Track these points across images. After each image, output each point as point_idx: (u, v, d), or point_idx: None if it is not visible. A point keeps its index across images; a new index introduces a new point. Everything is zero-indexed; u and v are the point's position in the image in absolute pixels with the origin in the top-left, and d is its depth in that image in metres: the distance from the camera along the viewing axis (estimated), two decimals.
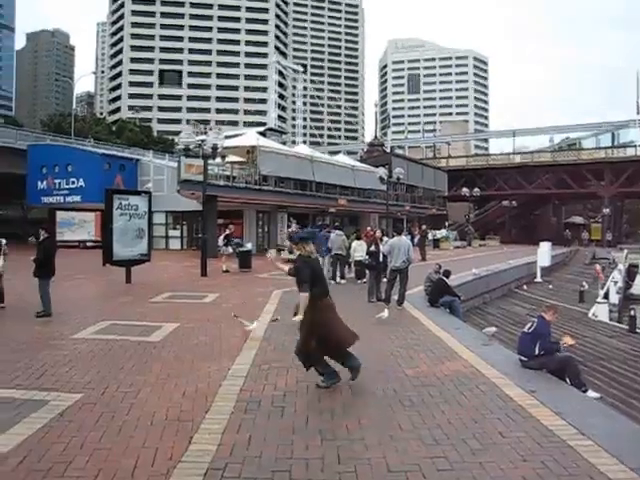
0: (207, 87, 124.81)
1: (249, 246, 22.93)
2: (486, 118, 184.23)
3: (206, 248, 19.62)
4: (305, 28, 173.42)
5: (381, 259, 13.74)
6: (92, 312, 10.66)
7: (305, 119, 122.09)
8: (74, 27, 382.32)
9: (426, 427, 5.10)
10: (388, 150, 66.63)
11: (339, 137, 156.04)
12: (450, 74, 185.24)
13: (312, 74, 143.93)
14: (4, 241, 11.71)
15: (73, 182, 36.03)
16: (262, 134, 39.99)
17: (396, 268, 12.63)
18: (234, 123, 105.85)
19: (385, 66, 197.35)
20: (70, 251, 28.03)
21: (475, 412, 5.55)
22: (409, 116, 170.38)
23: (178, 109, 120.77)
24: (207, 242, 20.22)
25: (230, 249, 21.10)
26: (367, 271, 14.78)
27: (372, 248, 13.99)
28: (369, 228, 19.78)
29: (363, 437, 4.84)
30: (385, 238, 15.34)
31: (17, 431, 4.83)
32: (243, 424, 5.08)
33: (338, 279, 17.62)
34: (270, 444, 4.63)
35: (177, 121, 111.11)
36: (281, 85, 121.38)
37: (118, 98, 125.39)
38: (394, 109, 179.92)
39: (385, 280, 13.51)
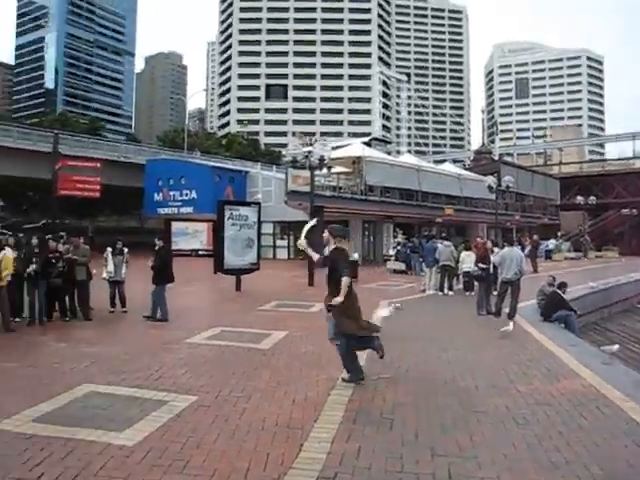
0: (312, 100, 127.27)
1: (355, 256, 23.01)
2: (602, 122, 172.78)
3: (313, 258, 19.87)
4: (408, 37, 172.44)
5: (491, 270, 13.34)
6: (204, 318, 11.12)
7: (409, 128, 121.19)
8: (186, 48, 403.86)
9: (542, 448, 4.85)
10: (496, 158, 64.57)
11: (444, 145, 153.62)
12: (561, 76, 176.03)
13: (416, 82, 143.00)
14: (126, 249, 12.51)
15: (186, 194, 37.84)
16: (367, 144, 40.14)
17: (507, 280, 12.20)
18: (339, 134, 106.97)
19: (491, 71, 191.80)
20: (183, 259, 29.31)
21: (597, 436, 5.18)
22: (517, 122, 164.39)
23: (284, 122, 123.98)
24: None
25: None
26: (476, 283, 14.39)
27: (481, 260, 13.61)
28: (479, 238, 19.22)
29: (476, 455, 4.68)
30: (496, 249, 14.87)
31: (140, 427, 5.13)
32: (352, 434, 5.06)
33: (446, 290, 17.30)
34: (379, 456, 4.59)
35: (283, 134, 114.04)
36: (385, 95, 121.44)
37: (227, 113, 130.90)
38: (501, 115, 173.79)
39: (495, 293, 13.08)
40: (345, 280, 6.70)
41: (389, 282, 21.21)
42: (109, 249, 12.24)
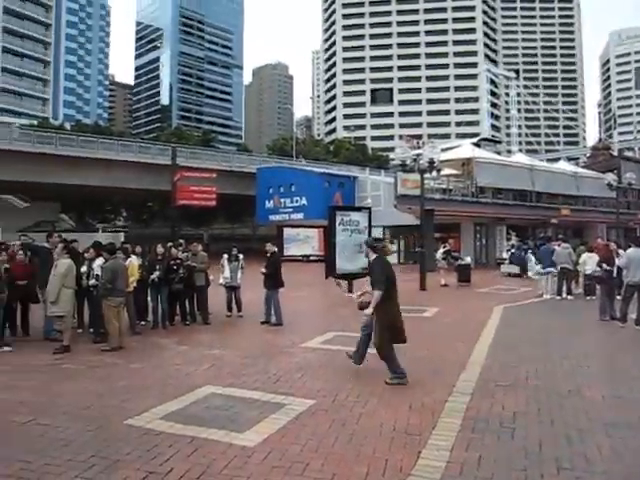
0: (418, 102, 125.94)
1: (468, 260, 22.43)
2: None
3: (424, 262, 19.63)
4: (515, 32, 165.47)
5: (614, 274, 12.51)
6: (318, 323, 11.27)
7: (520, 126, 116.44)
8: (292, 58, 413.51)
9: None
10: (615, 153, 60.50)
11: (558, 143, 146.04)
12: None
13: (525, 78, 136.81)
14: (241, 256, 12.94)
15: (296, 200, 38.56)
16: (477, 145, 39.12)
17: (634, 283, 11.36)
18: (446, 136, 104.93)
19: (607, 61, 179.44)
20: (295, 264, 30.01)
21: None
22: (638, 114, 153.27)
23: (390, 126, 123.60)
24: (425, 256, 20.22)
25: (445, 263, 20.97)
26: (597, 286, 13.55)
27: (605, 261, 12.79)
28: (599, 240, 18.11)
29: (605, 470, 4.38)
30: (620, 251, 13.91)
31: (260, 429, 5.25)
32: (472, 443, 4.91)
33: (564, 294, 16.43)
34: (501, 467, 4.41)
35: (390, 137, 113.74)
36: (493, 94, 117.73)
37: (333, 120, 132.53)
38: (620, 108, 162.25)
39: (619, 297, 12.25)
40: (376, 294, 7.05)
41: (503, 286, 20.47)
42: (225, 256, 12.72)
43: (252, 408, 5.89)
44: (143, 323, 11.52)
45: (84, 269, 10.14)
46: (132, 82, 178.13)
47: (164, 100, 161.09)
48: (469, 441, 4.97)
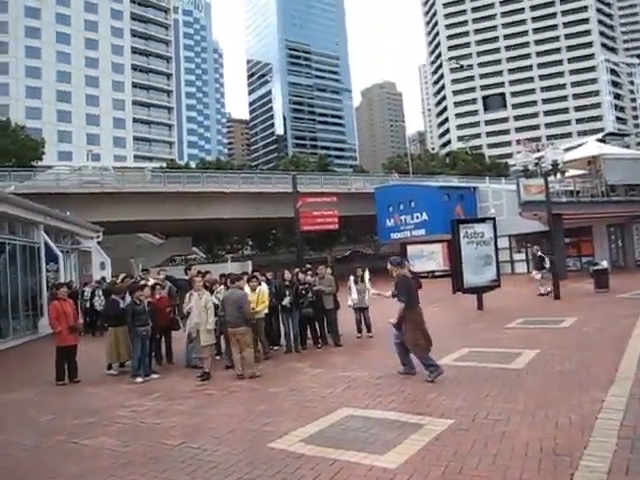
0: (533, 104, 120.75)
1: (604, 264, 20.99)
2: None
3: (556, 270, 18.65)
4: (635, 14, 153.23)
5: None
6: (450, 339, 10.99)
7: None
8: (399, 75, 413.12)
9: None
10: None
11: None
12: None
13: None
14: (367, 276, 12.96)
15: (417, 217, 38.17)
16: (602, 141, 36.79)
17: None
18: (567, 135, 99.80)
19: None
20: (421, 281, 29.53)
21: None
22: None
23: (506, 131, 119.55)
24: (556, 263, 19.21)
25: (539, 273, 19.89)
26: None
27: None
28: None
29: None
30: None
31: (401, 450, 5.19)
32: (631, 465, 4.50)
33: None
34: None
35: (506, 143, 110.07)
36: (615, 84, 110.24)
37: (447, 131, 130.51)
38: None
39: None
40: (400, 306, 8.36)
41: None
42: (352, 278, 12.82)
43: (390, 429, 5.85)
44: (276, 348, 11.87)
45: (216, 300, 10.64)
46: (247, 117, 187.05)
47: (279, 130, 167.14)
48: (628, 463, 4.57)
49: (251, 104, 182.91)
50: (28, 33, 79.91)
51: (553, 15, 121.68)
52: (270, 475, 4.79)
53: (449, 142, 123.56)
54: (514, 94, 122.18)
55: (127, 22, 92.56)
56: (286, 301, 11.46)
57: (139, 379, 9.58)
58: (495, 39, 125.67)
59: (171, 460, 5.36)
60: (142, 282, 11.79)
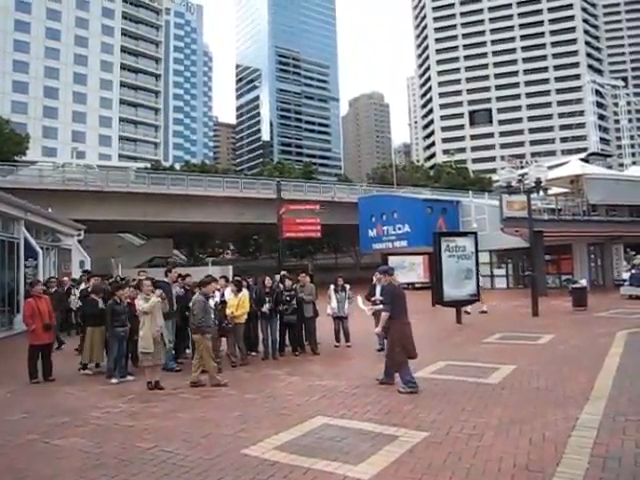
0: (518, 120, 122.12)
1: (583, 282, 21.23)
2: None
3: (536, 286, 18.82)
4: (621, 37, 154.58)
5: None
6: (428, 352, 11.00)
7: (632, 137, 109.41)
8: (387, 86, 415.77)
9: None
10: None
11: None
12: None
13: (635, 85, 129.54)
14: (348, 286, 12.97)
15: (399, 228, 38.31)
16: (585, 160, 37.32)
17: None
18: (551, 153, 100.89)
19: None
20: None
21: None
22: None
23: (491, 147, 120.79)
24: (536, 280, 19.39)
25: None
26: None
27: None
28: None
29: None
30: None
31: (375, 461, 5.19)
32: None
33: None
34: None
35: (491, 159, 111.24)
36: (600, 105, 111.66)
37: (432, 144, 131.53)
38: None
39: None
40: (383, 315, 8.50)
41: (625, 309, 19.09)
42: (332, 286, 12.82)
43: (365, 440, 5.85)
44: (254, 354, 11.83)
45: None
46: (234, 121, 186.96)
47: (265, 136, 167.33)
48: None
49: (238, 109, 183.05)
50: (17, 27, 79.22)
51: (542, 34, 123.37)
52: None
53: (434, 155, 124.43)
54: (500, 110, 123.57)
55: (118, 21, 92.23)
56: (266, 307, 11.43)
57: (114, 380, 9.49)
58: (484, 55, 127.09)
59: (143, 463, 5.31)
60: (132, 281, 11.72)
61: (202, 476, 4.93)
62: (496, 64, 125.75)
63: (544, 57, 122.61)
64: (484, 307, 19.27)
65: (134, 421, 6.94)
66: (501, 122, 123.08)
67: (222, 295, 10.70)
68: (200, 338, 9.05)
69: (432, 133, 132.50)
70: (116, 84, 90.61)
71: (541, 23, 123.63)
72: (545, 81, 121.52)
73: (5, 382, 9.79)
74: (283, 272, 13.93)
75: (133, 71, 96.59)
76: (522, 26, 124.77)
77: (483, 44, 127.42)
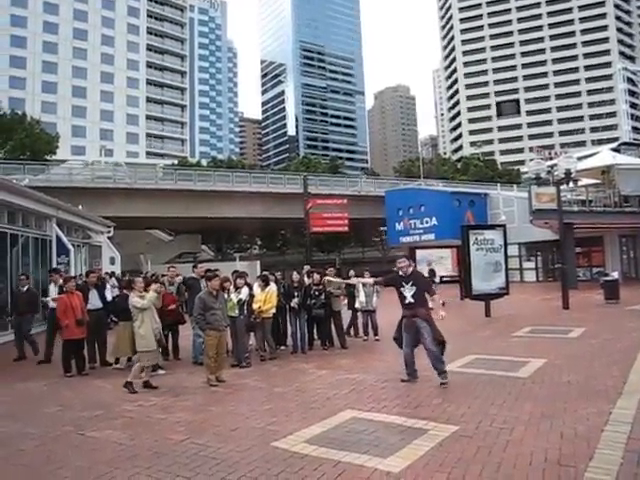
0: (547, 111, 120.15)
1: (615, 275, 20.85)
2: None
3: (566, 279, 18.55)
4: None
5: None
6: (457, 345, 10.92)
7: None
8: (413, 79, 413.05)
9: None
10: None
11: None
12: None
13: None
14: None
15: (427, 221, 38.10)
16: (616, 150, 36.54)
17: None
18: (581, 143, 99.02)
19: None
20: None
21: None
22: None
23: (519, 138, 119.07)
24: (566, 272, 19.11)
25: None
26: None
27: None
28: None
29: None
30: None
31: (404, 454, 5.18)
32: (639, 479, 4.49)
33: None
34: None
35: (519, 150, 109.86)
36: (632, 93, 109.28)
37: (459, 137, 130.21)
38: None
39: None
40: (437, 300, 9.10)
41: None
42: (360, 280, 12.80)
43: (394, 433, 5.85)
44: (283, 348, 11.91)
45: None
46: (260, 117, 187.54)
47: (291, 131, 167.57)
48: (634, 476, 4.54)
49: (264, 104, 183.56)
50: (46, 28, 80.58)
51: (571, 22, 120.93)
52: (273, 474, 4.80)
53: (461, 147, 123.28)
54: (528, 101, 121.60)
55: (143, 19, 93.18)
56: (294, 302, 11.48)
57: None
58: (511, 45, 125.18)
59: (175, 455, 5.39)
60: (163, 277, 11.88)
61: (233, 468, 4.98)
62: (524, 54, 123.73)
63: (573, 45, 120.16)
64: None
65: (166, 414, 7.05)
66: (529, 113, 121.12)
67: (250, 290, 10.78)
68: (206, 334, 9.03)
69: (459, 125, 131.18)
70: (142, 82, 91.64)
71: (570, 10, 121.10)
72: (574, 70, 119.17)
73: (41, 375, 10.04)
74: (307, 267, 13.91)
75: (159, 69, 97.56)
76: (550, 14, 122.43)
77: (510, 34, 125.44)
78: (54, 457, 5.54)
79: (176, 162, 68.40)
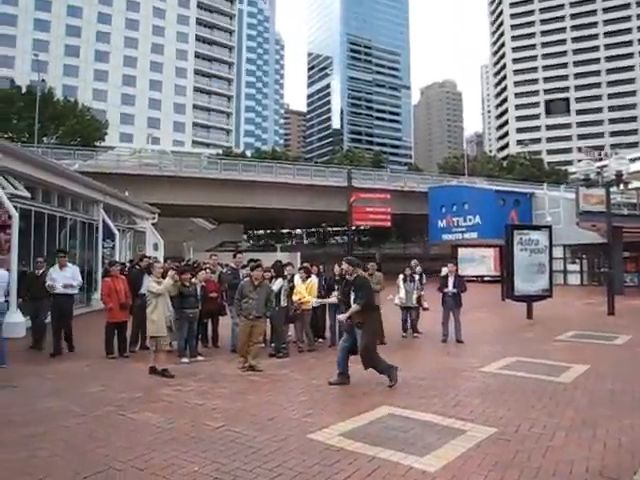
0: (598, 110, 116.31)
1: None
2: None
3: (613, 284, 18.05)
4: None
5: None
6: (496, 346, 10.82)
7: None
8: (460, 75, 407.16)
9: None
10: None
11: None
12: None
13: None
14: (417, 277, 12.87)
15: (470, 219, 37.63)
16: None
17: None
18: (633, 145, 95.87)
19: None
20: (470, 285, 29.04)
21: None
22: None
23: (568, 138, 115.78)
24: (613, 277, 18.59)
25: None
26: None
27: None
28: None
29: None
30: None
31: (441, 454, 5.11)
32: None
33: None
34: None
35: (567, 150, 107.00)
36: None
37: (506, 134, 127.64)
38: None
39: None
40: (355, 307, 7.98)
41: None
42: (401, 276, 12.75)
43: (431, 432, 5.79)
44: (321, 341, 11.93)
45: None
46: (305, 109, 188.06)
47: (335, 124, 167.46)
48: None
49: (309, 97, 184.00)
50: (100, 19, 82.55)
51: (627, 18, 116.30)
52: (308, 466, 4.81)
53: (507, 145, 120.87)
54: (579, 99, 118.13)
55: (193, 10, 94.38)
56: (334, 295, 11.46)
57: (185, 360, 9.77)
58: (562, 42, 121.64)
59: (212, 442, 5.45)
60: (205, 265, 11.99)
61: (268, 457, 5.01)
62: (576, 51, 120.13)
63: (629, 43, 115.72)
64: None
65: (203, 400, 7.14)
66: (579, 112, 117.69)
67: (291, 281, 10.82)
68: (240, 320, 9.30)
69: (506, 123, 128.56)
70: (190, 72, 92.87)
71: (627, 6, 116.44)
72: (629, 68, 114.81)
73: (84, 356, 10.31)
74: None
75: (207, 59, 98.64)
76: (605, 10, 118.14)
77: (562, 30, 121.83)
78: (95, 435, 5.68)
79: (221, 152, 69.19)
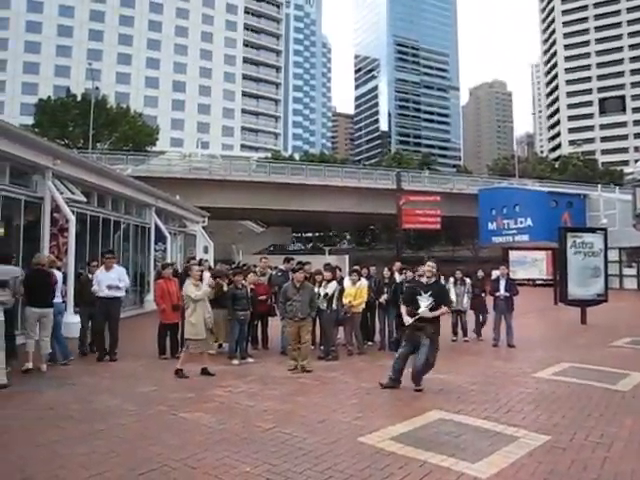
0: None
1: None
2: None
3: None
4: None
5: None
6: (549, 351, 10.55)
7: None
8: (510, 74, 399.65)
9: None
10: None
11: None
12: None
13: None
14: (468, 280, 12.74)
15: (521, 222, 36.92)
16: None
17: None
18: None
19: None
20: (521, 289, 28.42)
21: None
22: None
23: (623, 137, 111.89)
24: None
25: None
26: None
27: None
28: None
29: None
30: None
31: (493, 461, 5.04)
32: None
33: None
34: None
35: (623, 150, 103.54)
36: None
37: (557, 135, 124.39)
38: None
39: None
40: (444, 309, 7.90)
41: None
42: (451, 279, 12.63)
43: (483, 438, 5.71)
44: (370, 343, 11.90)
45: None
46: (352, 112, 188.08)
47: (383, 126, 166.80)
48: None
49: (357, 99, 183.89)
50: (150, 27, 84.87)
51: None
52: (359, 469, 4.81)
53: (559, 146, 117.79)
54: (635, 97, 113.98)
55: (241, 16, 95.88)
56: (384, 298, 11.44)
57: (235, 361, 9.89)
58: (618, 37, 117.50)
59: (263, 443, 5.50)
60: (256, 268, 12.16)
61: (319, 460, 5.03)
62: (632, 46, 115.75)
63: None
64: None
65: (254, 401, 7.22)
66: (636, 110, 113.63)
67: (340, 283, 10.84)
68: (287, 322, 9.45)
69: (557, 123, 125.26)
70: (239, 77, 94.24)
71: None
72: None
73: (137, 356, 10.55)
74: (398, 264, 13.79)
75: (255, 64, 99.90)
76: None
77: (618, 25, 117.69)
78: (148, 433, 5.82)
79: (269, 155, 69.83)
